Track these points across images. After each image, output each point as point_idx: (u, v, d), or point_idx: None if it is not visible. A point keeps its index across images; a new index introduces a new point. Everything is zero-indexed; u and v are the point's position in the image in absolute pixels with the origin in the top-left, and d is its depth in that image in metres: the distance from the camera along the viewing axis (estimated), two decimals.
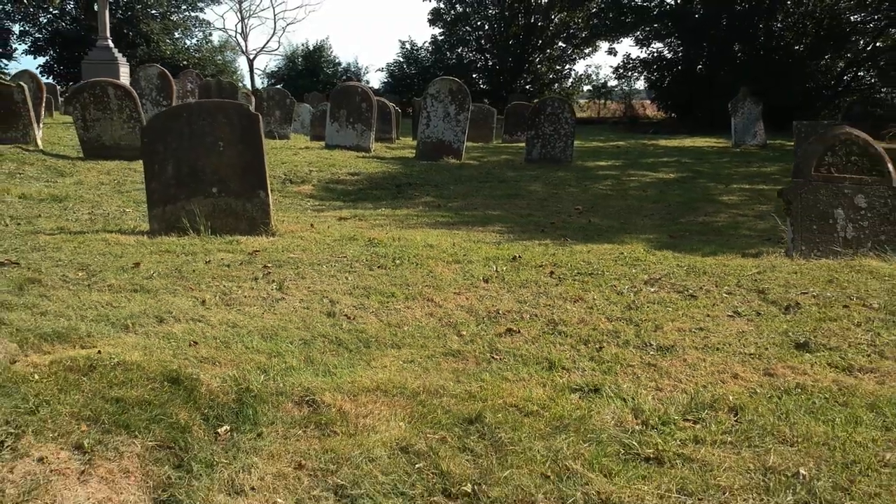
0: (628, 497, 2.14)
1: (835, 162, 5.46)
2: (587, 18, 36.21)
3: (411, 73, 39.69)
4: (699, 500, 2.17)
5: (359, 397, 2.70)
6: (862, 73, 29.54)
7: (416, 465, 2.25)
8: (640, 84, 36.69)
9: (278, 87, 30.78)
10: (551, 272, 4.68)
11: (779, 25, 29.48)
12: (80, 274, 4.26)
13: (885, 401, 2.86)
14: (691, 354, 3.33)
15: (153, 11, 39.27)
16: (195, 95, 20.18)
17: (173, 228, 5.62)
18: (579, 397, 2.85)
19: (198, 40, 41.76)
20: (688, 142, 21.07)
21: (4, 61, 38.06)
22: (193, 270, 4.39)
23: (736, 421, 2.67)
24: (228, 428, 2.46)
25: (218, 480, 2.13)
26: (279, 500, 2.05)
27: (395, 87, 38.61)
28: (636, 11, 32.00)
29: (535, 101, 19.42)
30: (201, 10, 42.62)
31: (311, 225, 6.28)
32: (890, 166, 5.50)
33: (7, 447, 2.19)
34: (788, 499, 2.17)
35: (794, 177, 5.54)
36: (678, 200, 9.86)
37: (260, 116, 5.86)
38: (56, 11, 38.77)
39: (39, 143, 11.50)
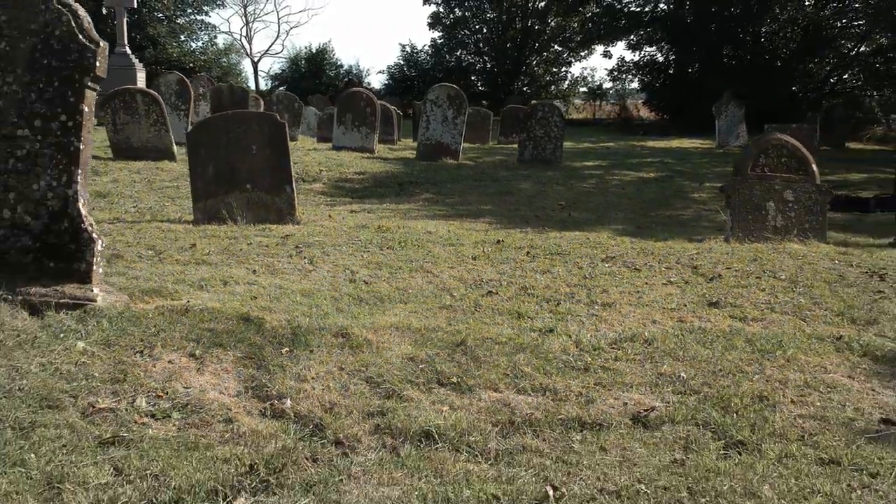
0: (561, 386, 3.23)
1: (768, 163, 6.54)
2: (582, 23, 37.32)
3: (411, 76, 40.78)
4: (608, 390, 3.25)
5: (378, 331, 3.77)
6: (847, 77, 30.64)
7: (420, 367, 3.34)
8: (634, 87, 37.80)
9: (282, 89, 31.82)
10: (528, 252, 5.77)
11: (765, 31, 30.58)
12: (150, 252, 5.34)
13: (760, 337, 3.94)
14: (626, 309, 4.41)
15: (159, 15, 40.31)
16: (206, 99, 21.24)
17: (214, 218, 6.70)
18: (537, 334, 3.92)
19: (203, 43, 42.85)
20: (675, 143, 22.16)
21: None
22: (240, 249, 5.47)
23: (646, 348, 3.75)
24: (288, 349, 3.53)
25: (288, 374, 3.21)
26: (330, 384, 3.14)
27: (396, 88, 39.68)
28: (629, 17, 33.13)
29: (528, 105, 20.45)
30: (206, 13, 43.69)
31: (329, 216, 7.37)
32: (814, 166, 6.58)
33: (146, 354, 3.27)
34: (668, 389, 3.26)
35: (734, 175, 6.63)
36: (652, 197, 10.95)
37: (286, 125, 6.95)
38: None
39: None
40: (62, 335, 3.38)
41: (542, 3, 39.31)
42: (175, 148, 12.29)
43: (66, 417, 2.65)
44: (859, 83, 28.71)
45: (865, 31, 27.56)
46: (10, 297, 3.68)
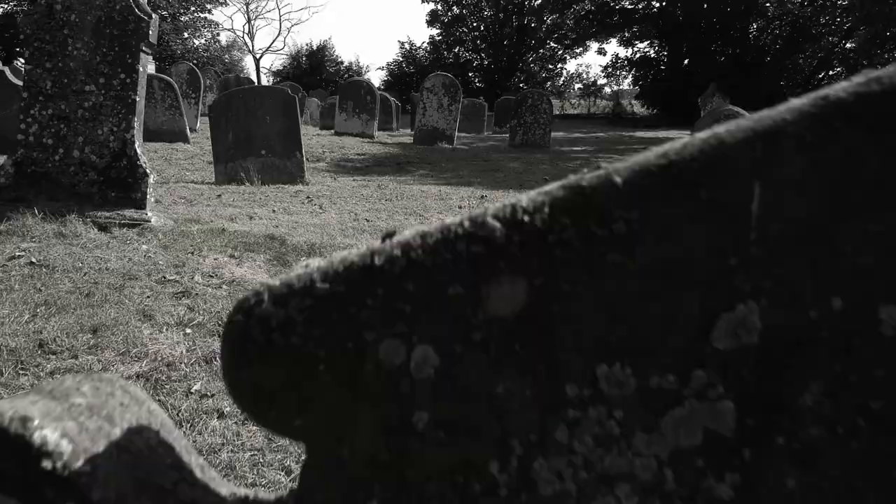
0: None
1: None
2: (577, 20, 38.29)
3: (410, 72, 41.72)
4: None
5: None
6: (833, 72, 31.60)
7: None
8: (628, 83, 38.80)
9: (289, 82, 32.72)
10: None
11: (754, 27, 31.55)
12: (183, 200, 6.25)
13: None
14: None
15: (163, 13, 41.26)
16: (213, 90, 22.17)
17: (233, 180, 7.61)
18: (459, 207, 4.84)
19: (206, 40, 43.80)
20: (662, 133, 23.07)
21: (20, 61, 40.10)
22: (260, 198, 6.39)
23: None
24: (305, 256, 4.45)
25: None
26: None
27: (395, 85, 40.62)
28: (622, 14, 34.10)
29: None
30: (209, 11, 44.64)
31: (334, 179, 8.29)
32: None
33: (196, 254, 4.19)
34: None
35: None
36: None
37: (296, 98, 7.86)
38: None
39: None
40: (128, 242, 4.30)
41: (538, 1, 40.26)
42: (188, 132, 13.19)
43: (145, 283, 3.56)
44: (842, 78, 29.62)
45: (849, 27, 28.51)
46: (81, 219, 4.59)
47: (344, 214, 5.87)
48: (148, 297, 3.36)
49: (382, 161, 12.62)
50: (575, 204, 0.47)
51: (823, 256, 0.45)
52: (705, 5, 30.78)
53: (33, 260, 3.77)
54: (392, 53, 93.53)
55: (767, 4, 30.50)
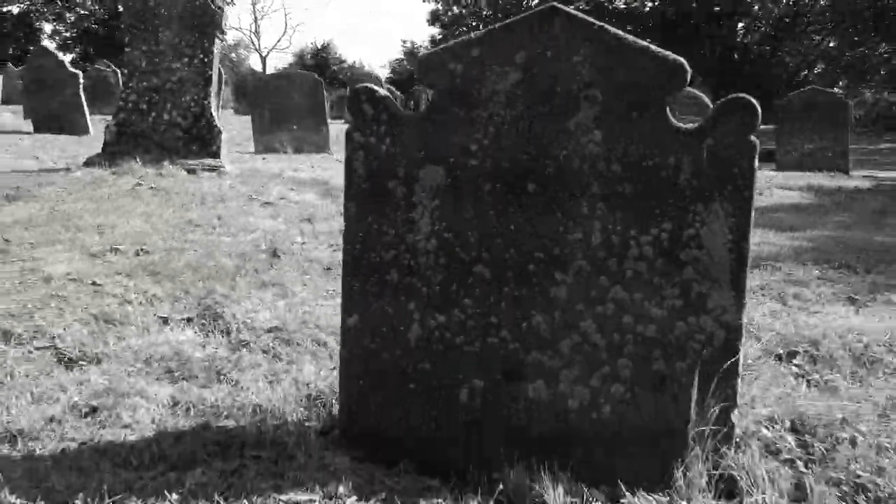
0: None
1: (677, 107, 8.86)
2: None
3: (412, 70, 43.11)
4: None
5: None
6: (818, 71, 33.01)
7: None
8: None
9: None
10: None
11: (741, 26, 32.98)
12: (237, 161, 7.66)
13: None
14: None
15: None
16: (227, 84, 23.56)
17: (269, 150, 9.02)
18: None
19: None
20: None
21: None
22: (296, 160, 7.81)
23: None
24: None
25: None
26: None
27: (397, 82, 42.01)
28: (615, 14, 35.53)
29: None
30: None
31: None
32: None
33: (265, 187, 5.59)
34: None
35: None
36: None
37: (322, 81, 9.27)
38: (84, 12, 42.19)
39: None
40: (212, 179, 5.72)
41: (535, 1, 41.66)
42: None
43: (238, 200, 4.97)
44: (820, 73, 31.05)
45: (832, 27, 29.90)
46: (172, 165, 6.00)
47: None
48: (244, 205, 4.78)
49: None
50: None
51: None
52: (694, 4, 32.18)
53: (152, 186, 5.19)
54: (393, 51, 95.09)
55: (755, 6, 31.91)
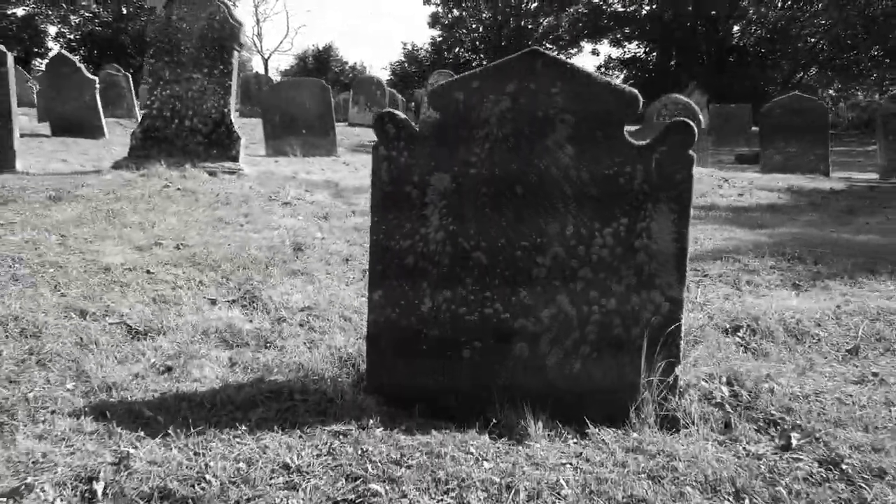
0: None
1: (667, 112, 9.36)
2: (571, 23, 40.24)
3: (412, 72, 43.63)
4: None
5: None
6: (811, 74, 33.54)
7: None
8: (620, 79, 40.85)
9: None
10: None
11: (736, 29, 33.49)
12: (251, 166, 8.15)
13: None
14: None
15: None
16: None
17: (279, 153, 9.51)
18: None
19: None
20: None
21: (39, 60, 42.00)
22: (306, 164, 8.30)
23: None
24: (354, 193, 6.34)
25: (353, 199, 6.01)
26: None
27: (398, 84, 42.51)
28: (613, 17, 36.04)
29: None
30: None
31: (357, 156, 10.21)
32: (701, 116, 9.40)
33: (282, 189, 6.09)
34: None
35: (643, 123, 9.45)
36: None
37: (330, 87, 9.76)
38: (88, 15, 42.69)
39: (139, 117, 15.38)
40: (233, 181, 6.21)
41: (535, 5, 42.20)
42: None
43: (259, 200, 5.46)
44: (813, 75, 31.58)
45: (824, 31, 30.40)
46: (194, 168, 6.49)
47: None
48: (265, 205, 5.27)
49: None
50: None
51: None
52: (690, 7, 32.70)
53: (179, 187, 5.68)
54: (394, 53, 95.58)
55: (750, 10, 32.42)
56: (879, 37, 24.54)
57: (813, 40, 32.11)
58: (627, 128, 2.29)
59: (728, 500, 1.84)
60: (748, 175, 9.10)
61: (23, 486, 1.80)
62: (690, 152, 2.25)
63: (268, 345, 2.68)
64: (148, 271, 3.46)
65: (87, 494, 1.79)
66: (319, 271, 3.61)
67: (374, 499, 1.80)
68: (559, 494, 1.83)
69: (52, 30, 43.06)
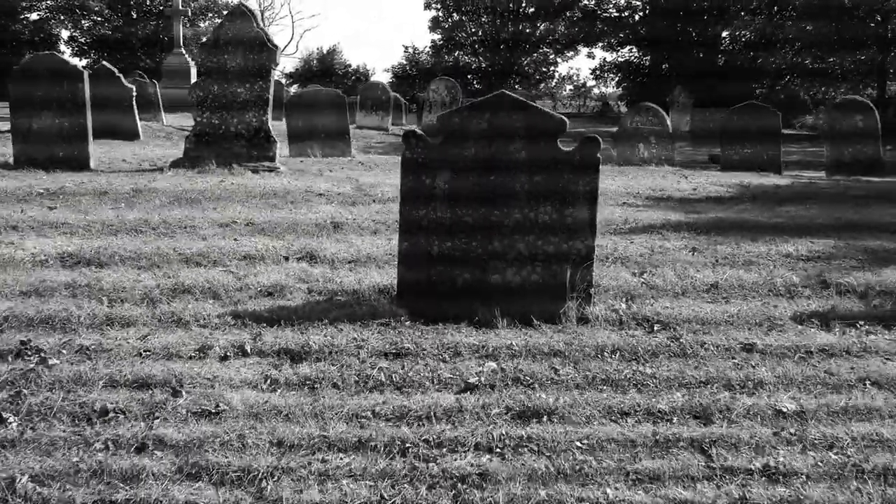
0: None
1: (639, 119, 10.74)
2: (568, 27, 41.63)
3: (413, 75, 45.02)
4: None
5: None
6: (798, 78, 34.91)
7: None
8: (613, 85, 42.19)
9: (316, 86, 35.97)
10: None
11: (724, 35, 34.89)
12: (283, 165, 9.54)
13: None
14: None
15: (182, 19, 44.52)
16: None
17: (302, 154, 10.90)
18: None
19: None
20: None
21: None
22: (326, 164, 9.70)
23: None
24: (371, 188, 7.72)
25: (373, 191, 7.41)
26: (387, 191, 7.35)
27: (399, 86, 43.90)
28: (607, 22, 37.45)
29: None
30: None
31: (369, 156, 11.62)
32: (668, 121, 10.78)
33: (316, 180, 7.48)
34: None
35: (618, 127, 10.83)
36: None
37: (345, 97, 11.15)
38: (99, 18, 44.08)
39: (164, 121, 16.78)
40: (273, 178, 7.60)
41: (532, 9, 43.59)
42: None
43: (297, 192, 6.84)
44: (797, 79, 32.96)
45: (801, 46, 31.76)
46: (240, 167, 7.87)
47: (384, 173, 9.17)
48: (303, 195, 6.66)
49: (398, 147, 15.89)
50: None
51: None
52: (681, 13, 34.07)
53: (232, 182, 7.06)
54: (397, 57, 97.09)
55: (742, 13, 33.78)
56: (851, 48, 25.95)
57: (794, 49, 33.48)
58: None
59: (609, 357, 3.23)
60: (709, 173, 10.49)
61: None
62: (598, 155, 3.64)
63: (329, 281, 4.07)
64: (235, 239, 4.85)
65: (238, 351, 3.18)
66: (355, 240, 5.00)
67: (406, 352, 3.19)
68: (512, 350, 3.23)
69: (65, 34, 44.50)
